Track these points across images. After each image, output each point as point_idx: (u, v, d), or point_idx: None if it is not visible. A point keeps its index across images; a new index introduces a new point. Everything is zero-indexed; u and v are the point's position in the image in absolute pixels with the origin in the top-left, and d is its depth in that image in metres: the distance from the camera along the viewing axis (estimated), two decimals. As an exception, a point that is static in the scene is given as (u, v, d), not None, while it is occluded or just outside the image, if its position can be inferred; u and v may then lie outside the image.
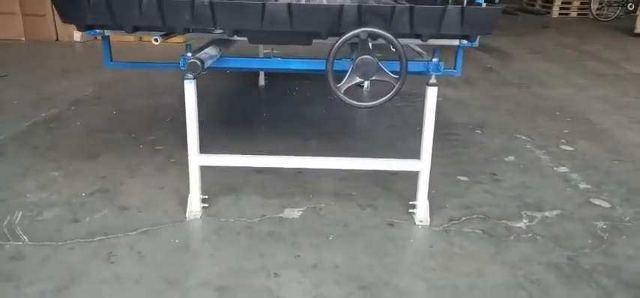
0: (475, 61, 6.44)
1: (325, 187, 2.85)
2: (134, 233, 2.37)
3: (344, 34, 1.99)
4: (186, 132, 2.42)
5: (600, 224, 2.53)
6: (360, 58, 1.97)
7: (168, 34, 2.27)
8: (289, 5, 2.00)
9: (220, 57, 2.37)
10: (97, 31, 2.43)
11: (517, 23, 11.14)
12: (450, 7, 2.00)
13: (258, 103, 4.60)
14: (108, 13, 2.05)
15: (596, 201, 2.78)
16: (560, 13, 12.31)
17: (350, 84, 2.02)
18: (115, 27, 2.17)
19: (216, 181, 2.86)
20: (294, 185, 2.86)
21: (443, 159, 3.27)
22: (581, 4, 12.25)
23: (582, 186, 2.97)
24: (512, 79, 5.62)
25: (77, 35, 7.03)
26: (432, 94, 2.34)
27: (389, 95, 2.03)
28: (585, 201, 2.79)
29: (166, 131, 3.72)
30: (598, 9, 11.61)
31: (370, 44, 2.06)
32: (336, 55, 1.99)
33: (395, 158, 2.56)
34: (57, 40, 7.09)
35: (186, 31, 2.16)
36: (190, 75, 2.25)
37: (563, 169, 3.21)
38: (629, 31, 9.36)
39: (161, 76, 5.07)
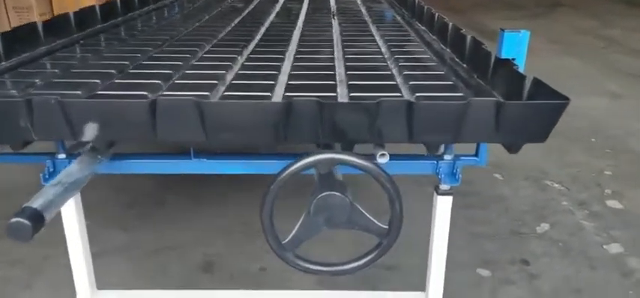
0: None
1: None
2: None
3: (296, 152, 1.15)
4: None
5: None
6: (320, 196, 1.13)
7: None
8: (198, 103, 1.15)
9: (100, 161, 1.46)
10: None
11: (527, -2, 10.10)
12: (476, 100, 1.14)
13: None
14: None
15: (676, 322, 1.97)
16: (573, -17, 11.23)
17: (304, 240, 1.18)
18: None
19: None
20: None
21: (454, 230, 2.42)
22: (597, -28, 11.16)
23: (649, 285, 2.16)
24: (530, 84, 4.73)
25: None
26: (443, 208, 1.49)
27: (373, 255, 1.20)
28: (659, 319, 1.98)
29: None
30: (616, -22, 10.53)
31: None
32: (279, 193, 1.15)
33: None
34: None
35: (29, 143, 1.31)
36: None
37: (616, 248, 2.39)
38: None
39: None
